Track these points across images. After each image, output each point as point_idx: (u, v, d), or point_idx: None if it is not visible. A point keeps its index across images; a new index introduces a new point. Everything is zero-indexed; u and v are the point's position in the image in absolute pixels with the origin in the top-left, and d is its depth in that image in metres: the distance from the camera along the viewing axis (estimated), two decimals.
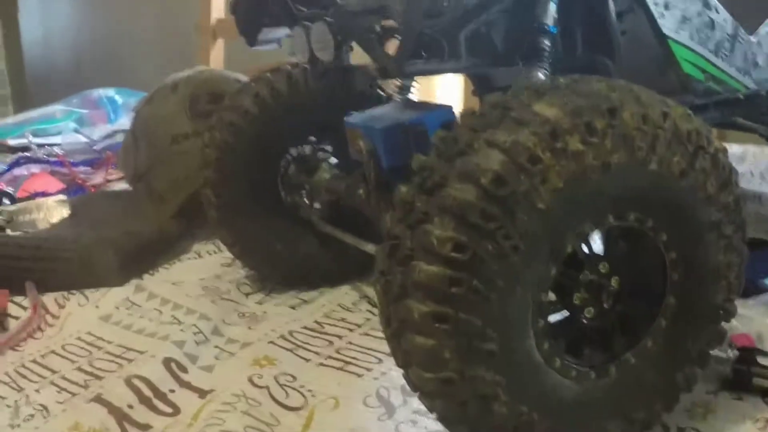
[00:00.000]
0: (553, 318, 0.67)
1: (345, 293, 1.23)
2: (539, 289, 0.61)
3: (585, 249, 0.66)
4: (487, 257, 0.56)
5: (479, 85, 1.16)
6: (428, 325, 0.58)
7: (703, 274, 0.71)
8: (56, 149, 2.09)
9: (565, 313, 0.69)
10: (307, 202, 1.23)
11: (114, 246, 1.30)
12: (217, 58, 2.70)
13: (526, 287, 0.60)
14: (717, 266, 0.71)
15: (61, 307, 1.23)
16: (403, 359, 0.64)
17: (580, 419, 0.68)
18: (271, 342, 1.09)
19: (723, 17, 1.02)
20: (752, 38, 1.08)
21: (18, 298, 1.25)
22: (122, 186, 1.82)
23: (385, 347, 0.65)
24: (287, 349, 1.07)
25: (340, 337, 1.09)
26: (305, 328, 1.13)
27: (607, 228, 0.65)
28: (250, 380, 0.99)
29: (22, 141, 2.22)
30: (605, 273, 0.68)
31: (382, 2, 0.90)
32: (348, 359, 1.03)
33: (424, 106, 1.04)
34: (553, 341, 0.65)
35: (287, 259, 1.23)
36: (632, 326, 0.72)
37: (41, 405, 0.99)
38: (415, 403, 0.88)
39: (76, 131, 2.35)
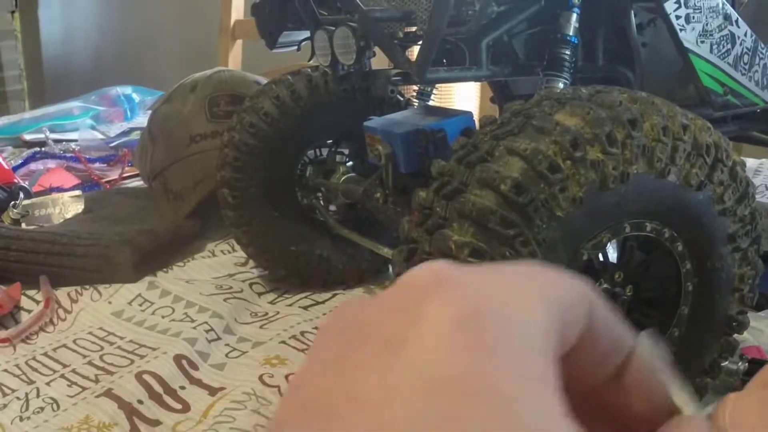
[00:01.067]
0: None
1: (357, 296, 1.23)
2: None
3: (600, 257, 0.66)
4: None
5: (499, 93, 1.17)
6: None
7: (717, 285, 0.71)
8: (72, 145, 2.10)
9: None
10: (323, 204, 1.23)
11: (130, 244, 1.30)
12: (235, 59, 2.71)
13: None
14: (732, 278, 0.71)
15: (74, 301, 1.24)
16: None
17: None
18: (283, 342, 1.09)
19: (743, 31, 1.03)
20: None
21: (31, 292, 1.25)
22: (137, 183, 1.83)
23: None
24: (299, 350, 1.07)
25: None
26: (317, 328, 1.13)
27: (624, 237, 0.66)
28: (261, 379, 1.00)
29: (39, 136, 2.23)
30: (620, 282, 0.68)
31: (407, 9, 0.90)
32: None
33: (443, 112, 1.04)
34: None
35: (301, 261, 1.23)
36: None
37: (51, 398, 0.99)
38: None
39: (93, 128, 2.36)
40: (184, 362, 1.04)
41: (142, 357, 1.07)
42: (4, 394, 1.00)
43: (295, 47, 1.22)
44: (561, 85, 0.91)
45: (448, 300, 0.26)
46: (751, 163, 1.82)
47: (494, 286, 0.26)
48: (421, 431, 0.23)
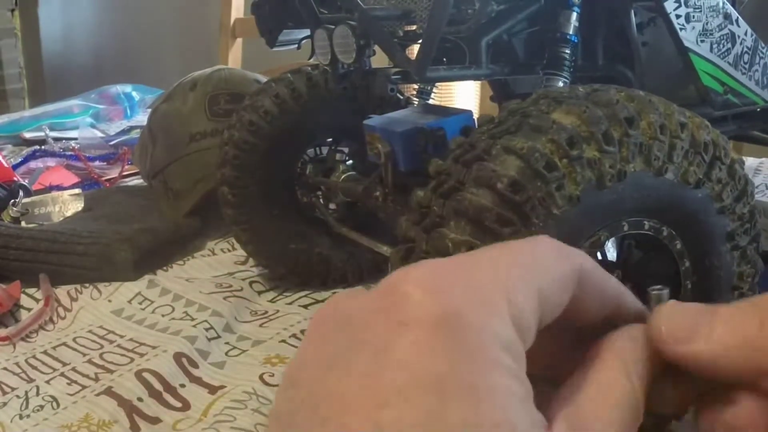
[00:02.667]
0: None
1: (350, 290, 1.23)
2: None
3: (599, 256, 0.66)
4: None
5: (498, 91, 1.17)
6: None
7: (716, 283, 0.71)
8: (72, 143, 2.10)
9: None
10: (323, 202, 1.23)
11: (130, 242, 1.31)
12: (235, 57, 2.72)
13: None
14: (731, 276, 0.71)
15: (74, 299, 1.24)
16: None
17: None
18: (283, 341, 1.09)
19: (743, 30, 1.03)
20: None
21: (30, 290, 1.26)
22: (137, 182, 1.83)
23: None
24: None
25: None
26: (311, 319, 1.12)
27: (622, 235, 0.66)
28: (262, 378, 1.00)
29: (39, 134, 2.24)
30: (618, 280, 0.68)
31: (407, 7, 0.90)
32: None
33: (443, 110, 1.04)
34: None
35: (301, 259, 1.23)
36: None
37: (51, 396, 0.99)
38: None
39: (93, 126, 2.37)
40: (184, 360, 1.04)
41: (142, 355, 1.07)
42: (4, 393, 1.00)
43: (296, 45, 1.22)
44: (560, 84, 0.91)
45: (425, 307, 0.30)
46: (751, 162, 1.82)
47: (465, 291, 0.30)
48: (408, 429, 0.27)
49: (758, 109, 1.08)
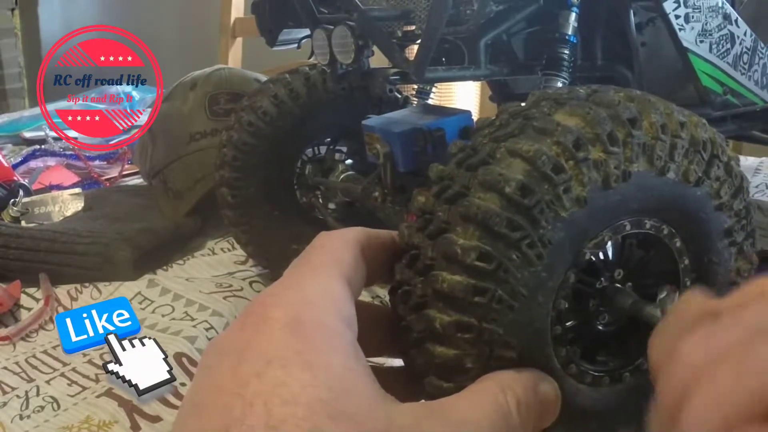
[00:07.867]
0: (569, 324, 0.67)
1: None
2: (558, 297, 0.61)
3: (601, 256, 0.66)
4: (511, 266, 0.55)
5: (497, 91, 1.17)
6: (451, 335, 0.57)
7: (714, 280, 0.71)
8: (72, 143, 2.10)
9: (580, 320, 0.69)
10: (322, 202, 1.23)
11: (130, 242, 1.30)
12: (235, 56, 2.72)
13: (547, 295, 0.59)
14: (728, 272, 0.71)
15: (74, 299, 1.24)
16: (419, 369, 0.63)
17: (594, 425, 0.68)
18: None
19: (743, 31, 1.03)
20: None
21: (31, 290, 1.25)
22: (137, 181, 1.83)
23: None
24: None
25: None
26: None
27: (624, 235, 0.66)
28: None
29: (39, 134, 2.23)
30: (620, 279, 0.68)
31: (406, 8, 0.90)
32: None
33: (442, 110, 1.04)
34: (569, 347, 0.65)
35: None
36: (646, 332, 0.72)
37: (52, 397, 0.99)
38: None
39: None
40: (184, 360, 1.04)
41: None
42: (4, 392, 1.00)
43: (296, 45, 1.22)
44: (559, 85, 0.91)
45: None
46: (751, 161, 1.82)
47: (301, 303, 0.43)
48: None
49: (758, 109, 1.08)
